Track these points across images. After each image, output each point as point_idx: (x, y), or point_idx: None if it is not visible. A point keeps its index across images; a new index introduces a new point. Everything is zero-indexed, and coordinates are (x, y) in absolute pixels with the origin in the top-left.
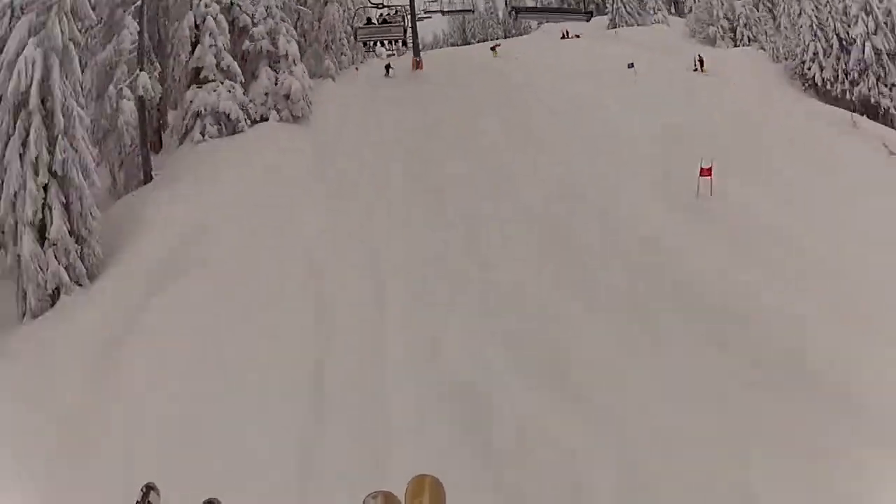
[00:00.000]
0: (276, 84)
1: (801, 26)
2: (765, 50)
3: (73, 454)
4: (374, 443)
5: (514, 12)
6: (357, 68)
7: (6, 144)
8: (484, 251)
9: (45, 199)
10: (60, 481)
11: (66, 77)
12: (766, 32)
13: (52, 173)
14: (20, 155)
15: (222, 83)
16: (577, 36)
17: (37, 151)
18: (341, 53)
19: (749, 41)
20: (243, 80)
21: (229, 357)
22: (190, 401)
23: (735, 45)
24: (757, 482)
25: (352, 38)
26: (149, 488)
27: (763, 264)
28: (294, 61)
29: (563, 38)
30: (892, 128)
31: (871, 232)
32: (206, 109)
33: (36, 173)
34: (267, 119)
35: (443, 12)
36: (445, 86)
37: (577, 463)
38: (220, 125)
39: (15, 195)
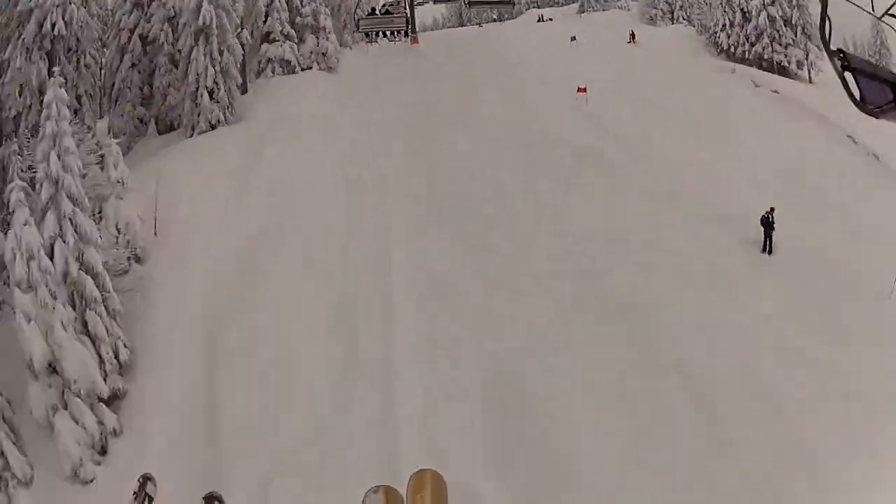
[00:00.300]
0: (317, 45)
1: (717, 4)
2: (694, 26)
3: (235, 191)
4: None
5: (468, 5)
6: (368, 44)
7: (191, 50)
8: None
9: (215, 78)
10: (228, 209)
11: (229, 22)
12: (697, 12)
13: (220, 66)
14: (204, 55)
15: (284, 42)
16: (551, 19)
17: (216, 55)
18: (355, 31)
19: (683, 20)
20: (296, 42)
21: (305, 161)
22: (286, 178)
23: (672, 24)
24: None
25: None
26: (146, 479)
27: (598, 129)
28: (329, 31)
29: (539, 21)
30: (790, 77)
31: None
32: (275, 57)
33: (213, 66)
34: (311, 68)
35: (469, 4)
36: (445, 63)
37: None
38: (283, 68)
39: (198, 74)
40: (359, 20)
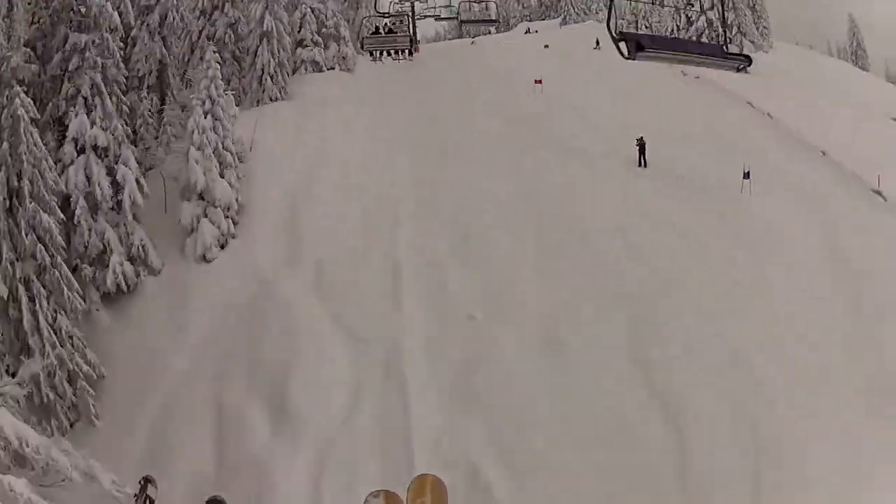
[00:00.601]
0: (339, 51)
1: (668, 12)
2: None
3: (293, 136)
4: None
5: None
6: (373, 62)
7: (257, 47)
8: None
9: (274, 67)
10: (291, 143)
11: (284, 27)
12: (655, 20)
13: (278, 59)
14: (267, 51)
15: (314, 47)
16: (536, 31)
17: (275, 51)
18: (361, 49)
19: (645, 28)
20: (323, 47)
21: (339, 124)
22: (333, 135)
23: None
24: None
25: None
26: (146, 481)
27: (547, 104)
28: (347, 40)
29: (526, 32)
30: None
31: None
32: (307, 59)
33: (273, 59)
34: (334, 69)
35: (461, 22)
36: (445, 72)
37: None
38: (313, 67)
39: (263, 64)
40: (363, 39)
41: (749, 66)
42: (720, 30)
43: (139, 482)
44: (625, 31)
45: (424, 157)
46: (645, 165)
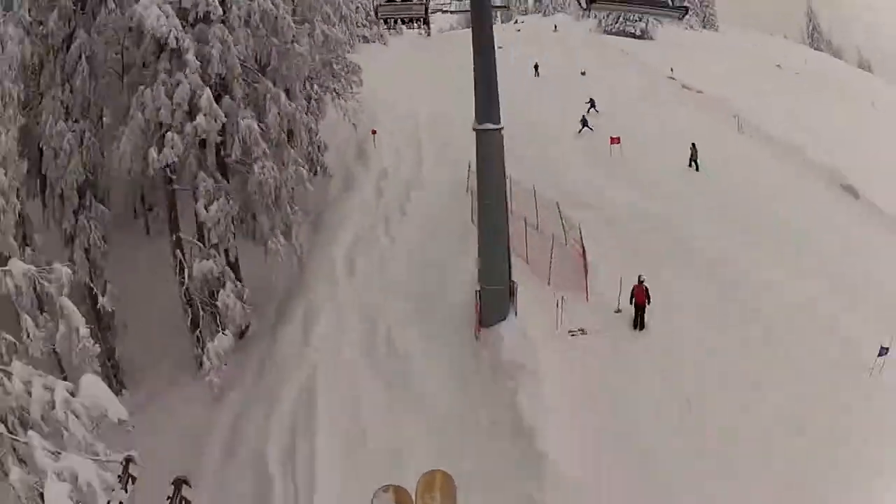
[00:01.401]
0: (378, 30)
1: None
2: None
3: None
4: None
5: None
6: (387, 30)
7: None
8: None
9: (347, 35)
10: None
11: (352, 15)
12: None
13: (349, 33)
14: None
15: (363, 28)
16: (523, 21)
17: (348, 27)
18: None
19: (596, 16)
20: (369, 28)
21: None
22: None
23: (588, 18)
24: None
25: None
26: (180, 481)
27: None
28: (383, 24)
29: (514, 23)
30: (642, 39)
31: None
32: (359, 34)
33: (347, 31)
34: (375, 42)
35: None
36: (452, 47)
37: None
38: (363, 41)
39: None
40: (377, 7)
41: (686, 14)
42: None
43: (172, 483)
44: None
45: (433, 80)
46: (537, 75)
